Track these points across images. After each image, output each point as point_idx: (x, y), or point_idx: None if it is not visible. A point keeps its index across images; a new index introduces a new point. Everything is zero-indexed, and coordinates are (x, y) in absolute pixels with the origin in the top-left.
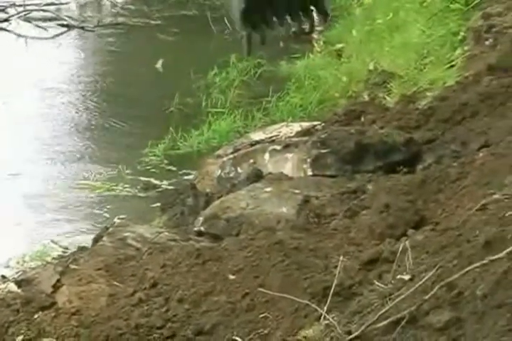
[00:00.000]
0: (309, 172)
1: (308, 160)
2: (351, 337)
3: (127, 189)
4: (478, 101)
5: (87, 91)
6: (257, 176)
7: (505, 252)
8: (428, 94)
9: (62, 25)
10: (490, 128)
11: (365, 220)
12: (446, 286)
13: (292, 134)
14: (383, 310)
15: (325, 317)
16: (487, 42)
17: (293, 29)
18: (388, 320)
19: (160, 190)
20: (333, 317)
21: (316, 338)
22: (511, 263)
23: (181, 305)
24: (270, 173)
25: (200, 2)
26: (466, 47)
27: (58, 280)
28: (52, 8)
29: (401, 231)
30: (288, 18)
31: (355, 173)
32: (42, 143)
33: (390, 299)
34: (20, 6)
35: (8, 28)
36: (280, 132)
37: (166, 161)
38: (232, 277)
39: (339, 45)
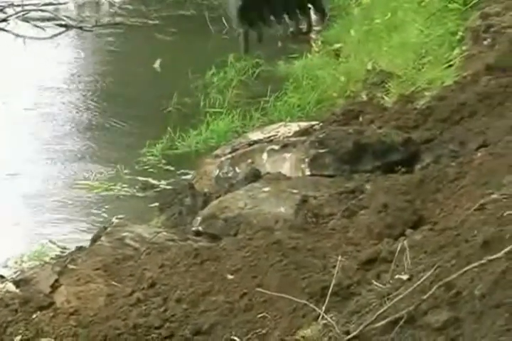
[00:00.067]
0: (307, 172)
1: (307, 160)
2: (349, 337)
3: (125, 189)
4: (476, 101)
5: (85, 91)
6: (255, 176)
7: (503, 252)
8: (426, 93)
9: (61, 25)
10: (488, 128)
11: (363, 220)
12: (445, 286)
13: (290, 134)
14: (381, 310)
15: (323, 317)
16: (485, 42)
17: (291, 29)
18: (386, 320)
19: (158, 189)
20: (331, 317)
21: (314, 338)
22: (509, 263)
23: (179, 305)
24: (268, 173)
25: (198, 2)
26: (464, 47)
27: (56, 280)
28: (50, 8)
29: (399, 231)
30: (285, 15)
31: (353, 173)
32: (41, 143)
33: (388, 299)
34: (18, 5)
35: (6, 28)
36: (278, 132)
37: (164, 161)
38: (230, 277)
39: (337, 45)
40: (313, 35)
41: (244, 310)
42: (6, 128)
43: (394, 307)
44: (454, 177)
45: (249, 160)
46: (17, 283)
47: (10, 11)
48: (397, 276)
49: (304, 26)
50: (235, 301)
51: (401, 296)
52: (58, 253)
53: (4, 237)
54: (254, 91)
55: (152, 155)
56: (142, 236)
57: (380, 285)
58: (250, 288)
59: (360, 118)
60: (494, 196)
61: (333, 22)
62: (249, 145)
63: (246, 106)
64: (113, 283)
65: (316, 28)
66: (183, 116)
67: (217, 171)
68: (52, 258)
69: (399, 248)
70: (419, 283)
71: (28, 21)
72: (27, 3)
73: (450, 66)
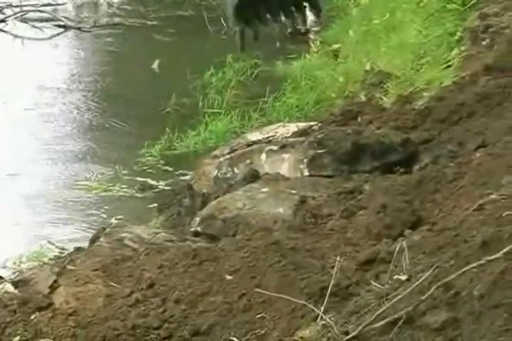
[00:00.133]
0: (306, 173)
1: (305, 160)
2: (348, 337)
3: (124, 189)
4: (475, 101)
5: (84, 92)
6: (253, 176)
7: (502, 252)
8: (425, 94)
9: (59, 26)
10: (487, 129)
11: (361, 220)
12: (443, 286)
13: (289, 134)
14: (380, 311)
15: (322, 317)
16: (484, 43)
17: (289, 30)
18: (385, 321)
19: (157, 190)
20: (330, 318)
21: (312, 338)
22: (508, 264)
23: (178, 306)
24: (267, 174)
25: (197, 2)
26: (462, 48)
27: (55, 281)
28: (48, 8)
29: (398, 232)
30: (281, 13)
31: (351, 173)
32: (40, 143)
33: (387, 299)
34: (16, 6)
35: (4, 29)
36: (277, 132)
37: (162, 162)
38: (228, 277)
39: (336, 46)
40: (311, 36)
41: (243, 311)
42: (5, 129)
43: (393, 307)
44: (452, 178)
45: (248, 161)
46: (16, 284)
47: (8, 11)
48: (395, 277)
49: (301, 27)
50: (233, 302)
51: (400, 297)
52: (57, 253)
53: (3, 238)
54: (252, 91)
55: (151, 155)
56: (141, 236)
57: (379, 286)
58: (249, 289)
59: (359, 119)
60: (493, 196)
61: (331, 22)
62: (248, 145)
63: (244, 107)
64: (112, 283)
65: (315, 29)
66: (182, 116)
67: (216, 172)
68: (51, 259)
69: (397, 248)
70: (417, 283)
71: (26, 22)
72: (25, 3)
73: (449, 66)
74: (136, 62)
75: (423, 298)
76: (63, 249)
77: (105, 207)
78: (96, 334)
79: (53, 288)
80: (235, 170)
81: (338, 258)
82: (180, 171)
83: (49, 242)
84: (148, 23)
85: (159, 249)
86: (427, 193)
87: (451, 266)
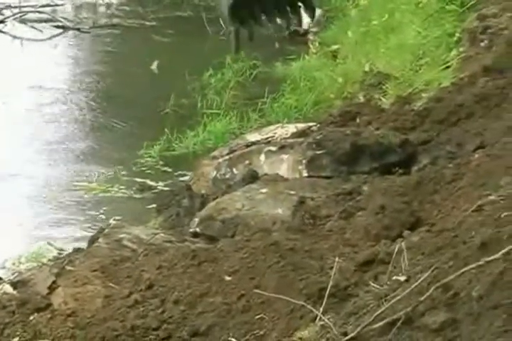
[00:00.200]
0: (305, 174)
1: (304, 161)
2: (347, 338)
3: (123, 190)
4: (473, 102)
5: (83, 92)
6: (252, 177)
7: (501, 253)
8: (423, 95)
9: (58, 27)
10: (485, 130)
11: (360, 221)
12: (442, 287)
13: (288, 135)
14: (379, 311)
15: (320, 318)
16: (482, 44)
17: (287, 32)
18: (384, 321)
19: (155, 191)
20: (328, 319)
21: (311, 339)
22: (507, 264)
23: (177, 307)
24: (266, 174)
25: (195, 3)
26: (461, 49)
27: (54, 282)
28: (47, 9)
29: (396, 233)
30: (276, 14)
31: (350, 174)
32: (40, 144)
33: (385, 300)
34: (15, 7)
35: (3, 30)
36: (275, 133)
37: (161, 162)
38: (227, 278)
39: (334, 46)
40: (310, 37)
41: (242, 312)
42: (6, 129)
43: (391, 308)
44: (451, 179)
45: (247, 162)
46: (14, 285)
47: (7, 12)
48: (394, 278)
49: (296, 26)
50: (232, 302)
51: (398, 297)
52: (56, 254)
53: (2, 238)
54: (251, 92)
55: (150, 156)
56: (140, 237)
57: (378, 287)
58: (248, 290)
59: (358, 120)
60: (491, 197)
61: (330, 23)
62: (247, 146)
63: (243, 108)
64: (110, 284)
65: (314, 30)
66: (181, 117)
67: (215, 172)
68: (49, 260)
69: (396, 249)
70: (416, 284)
71: (25, 23)
72: (24, 4)
73: (447, 67)
74: (135, 63)
75: (422, 298)
76: (62, 249)
77: (104, 208)
78: (95, 335)
79: (52, 288)
80: (234, 170)
81: (336, 259)
82: (179, 172)
83: (48, 243)
84: (147, 23)
85: (158, 249)
86: (426, 194)
87: (450, 267)
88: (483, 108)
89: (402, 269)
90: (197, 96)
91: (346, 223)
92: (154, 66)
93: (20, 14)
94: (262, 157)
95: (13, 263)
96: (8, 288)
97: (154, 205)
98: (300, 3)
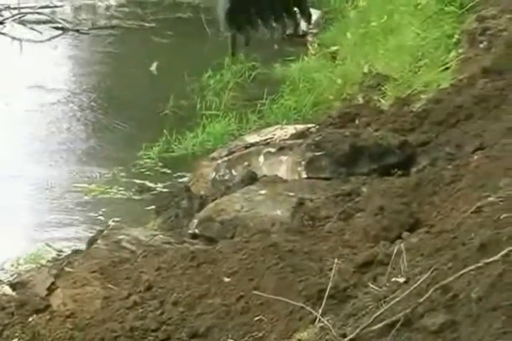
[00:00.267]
0: (304, 175)
1: (303, 162)
2: (346, 339)
3: (122, 191)
4: (472, 103)
5: (82, 94)
6: (251, 179)
7: (500, 255)
8: (422, 96)
9: (57, 28)
10: (484, 131)
11: (359, 223)
12: (441, 289)
13: (287, 137)
14: (378, 313)
15: (320, 319)
16: (481, 45)
17: (281, 35)
18: (383, 323)
19: (154, 192)
20: (327, 320)
21: None
22: (506, 266)
23: (176, 308)
24: (265, 176)
25: (195, 5)
26: (460, 50)
27: (53, 283)
28: (46, 10)
29: (396, 234)
30: (272, 19)
31: (349, 176)
32: (40, 145)
33: (384, 302)
34: (14, 8)
35: (2, 31)
36: (275, 135)
37: (160, 164)
38: (226, 280)
39: (334, 48)
40: (309, 38)
41: (241, 313)
42: (5, 129)
43: (390, 310)
44: (450, 180)
45: (246, 163)
46: (13, 286)
47: (6, 13)
48: (393, 279)
49: (291, 31)
50: (231, 304)
51: (398, 299)
52: (55, 256)
53: (1, 239)
54: (250, 93)
55: (149, 157)
56: (139, 239)
57: (377, 288)
58: (247, 291)
59: (357, 121)
60: (491, 199)
61: (329, 25)
62: (246, 147)
63: (242, 109)
64: (109, 285)
65: (313, 31)
66: (180, 118)
67: (214, 174)
68: (48, 261)
69: (395, 251)
70: (415, 285)
71: (24, 24)
72: (23, 6)
73: (446, 69)
74: (134, 64)
75: (421, 300)
76: (61, 251)
77: (103, 209)
78: (94, 337)
79: (51, 290)
80: (233, 172)
81: (335, 260)
82: (178, 173)
83: (47, 244)
84: (146, 25)
85: (157, 251)
86: (425, 195)
87: (449, 269)
88: (482, 109)
89: (401, 271)
90: (196, 98)
91: (345, 224)
92: (153, 67)
93: (19, 15)
94: (261, 158)
95: (12, 265)
96: (7, 290)
97: (153, 206)
98: (296, 9)
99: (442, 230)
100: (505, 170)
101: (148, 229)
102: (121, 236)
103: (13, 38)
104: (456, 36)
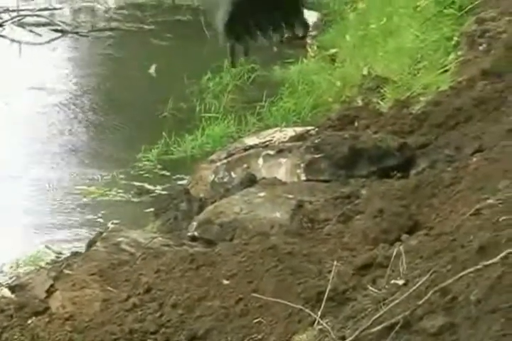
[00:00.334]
0: (303, 177)
1: (302, 165)
2: None
3: (121, 194)
4: (471, 106)
5: (81, 96)
6: (250, 181)
7: (499, 257)
8: (422, 98)
9: (56, 31)
10: (484, 133)
11: (358, 225)
12: (440, 291)
13: (286, 139)
14: (377, 315)
15: (319, 322)
16: (481, 47)
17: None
18: (382, 325)
19: (154, 195)
20: (327, 322)
21: None
22: (505, 268)
23: (175, 310)
24: (264, 178)
25: (194, 7)
26: (459, 52)
27: (52, 286)
28: (46, 13)
29: (395, 236)
30: (271, 30)
31: (348, 178)
32: (39, 145)
33: (383, 304)
34: (14, 11)
35: (2, 34)
36: (274, 137)
37: (159, 166)
38: (225, 282)
39: (333, 50)
40: (308, 40)
41: (240, 316)
42: (6, 130)
43: (390, 312)
44: (449, 182)
45: (245, 165)
46: (12, 289)
47: (5, 16)
48: (392, 281)
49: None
50: (230, 306)
51: (397, 301)
52: (54, 258)
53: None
54: (249, 96)
55: (148, 160)
56: (138, 241)
57: (376, 291)
58: (246, 293)
59: (356, 124)
60: (490, 201)
61: (328, 27)
62: (245, 150)
63: (241, 111)
64: (108, 288)
65: (312, 33)
66: (179, 121)
67: (213, 176)
68: (47, 264)
69: (394, 253)
70: (414, 288)
71: (23, 26)
72: (22, 8)
73: (445, 71)
74: (133, 67)
75: (420, 302)
76: (60, 253)
77: (102, 212)
78: (93, 339)
79: (50, 292)
80: (232, 174)
81: (335, 262)
82: (177, 176)
83: (46, 246)
84: (146, 27)
85: (156, 253)
86: (424, 198)
87: (448, 271)
88: (481, 111)
89: (401, 273)
90: (195, 100)
91: (344, 227)
92: (152, 70)
93: (18, 18)
94: (260, 161)
95: (11, 267)
96: (6, 292)
97: (152, 209)
98: (294, 19)
99: (441, 232)
100: (504, 172)
101: (148, 232)
102: (120, 239)
103: (13, 41)
104: (456, 38)
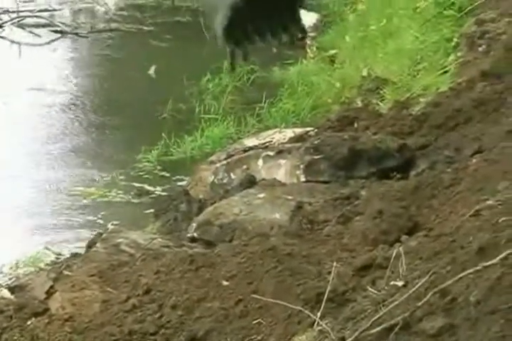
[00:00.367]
0: (302, 179)
1: (302, 166)
2: None
3: (120, 195)
4: (471, 107)
5: (81, 96)
6: (250, 182)
7: (498, 258)
8: (421, 100)
9: (56, 32)
10: (483, 134)
11: (358, 226)
12: (440, 292)
13: (285, 140)
14: (377, 317)
15: (318, 323)
16: (480, 49)
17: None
18: (382, 326)
19: (153, 196)
20: (326, 324)
21: None
22: (505, 269)
23: (174, 312)
24: (263, 179)
25: (194, 8)
26: (459, 54)
27: (51, 287)
28: (45, 14)
29: (394, 237)
30: (269, 35)
31: (348, 179)
32: (39, 146)
33: (383, 305)
34: (13, 12)
35: (1, 35)
36: (273, 138)
37: (159, 167)
38: (225, 283)
39: (332, 51)
40: (308, 41)
41: (240, 317)
42: (6, 130)
43: (389, 313)
44: (449, 184)
45: (245, 167)
46: (12, 290)
47: (5, 17)
48: (392, 283)
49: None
50: (230, 307)
51: (396, 302)
52: (53, 259)
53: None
54: (249, 97)
55: (147, 161)
56: (137, 242)
57: (376, 292)
58: (245, 295)
59: (355, 125)
60: (489, 202)
61: (328, 28)
62: (245, 151)
63: (241, 113)
64: (108, 289)
65: (311, 34)
66: (178, 122)
67: (213, 177)
68: (47, 265)
69: (394, 254)
70: (414, 289)
71: (23, 28)
72: (22, 9)
73: (445, 72)
74: (133, 68)
75: (419, 304)
76: (60, 254)
77: (102, 213)
78: (92, 340)
79: (50, 293)
80: (232, 175)
81: (334, 264)
82: (177, 177)
83: (46, 247)
84: (145, 28)
85: (156, 254)
86: (424, 199)
87: (447, 272)
88: (481, 113)
89: (400, 274)
90: (195, 101)
91: (344, 228)
92: (152, 71)
93: (18, 19)
94: (260, 162)
95: (11, 268)
96: (6, 293)
97: (152, 210)
98: (292, 25)
99: (441, 233)
100: (503, 173)
101: (147, 233)
102: (120, 240)
103: (12, 42)
104: (455, 40)
